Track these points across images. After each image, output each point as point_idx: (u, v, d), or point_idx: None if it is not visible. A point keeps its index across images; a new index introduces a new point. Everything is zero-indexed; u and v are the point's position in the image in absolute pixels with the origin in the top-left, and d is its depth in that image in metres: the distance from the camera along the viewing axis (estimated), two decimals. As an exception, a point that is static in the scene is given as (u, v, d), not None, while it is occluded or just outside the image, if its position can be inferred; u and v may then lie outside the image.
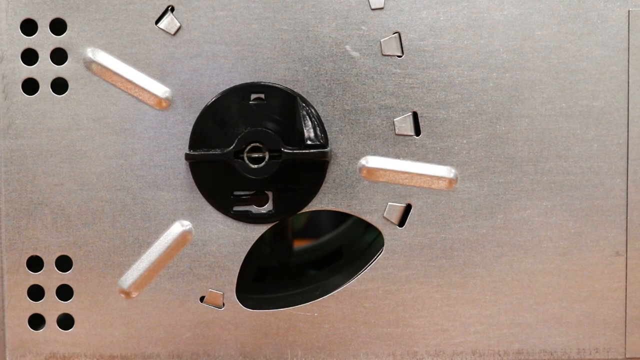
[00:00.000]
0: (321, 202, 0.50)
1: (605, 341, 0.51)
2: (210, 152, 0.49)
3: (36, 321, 0.51)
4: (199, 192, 0.50)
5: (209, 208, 0.50)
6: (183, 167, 0.50)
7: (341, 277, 0.53)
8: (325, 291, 0.52)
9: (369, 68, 0.49)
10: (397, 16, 0.49)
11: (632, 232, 0.50)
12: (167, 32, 0.49)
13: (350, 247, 0.63)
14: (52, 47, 0.49)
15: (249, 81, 0.49)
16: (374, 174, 0.50)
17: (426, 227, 0.50)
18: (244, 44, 0.49)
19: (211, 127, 0.49)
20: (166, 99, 0.49)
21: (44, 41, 0.49)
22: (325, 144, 0.49)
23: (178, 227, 0.50)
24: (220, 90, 0.49)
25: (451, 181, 0.50)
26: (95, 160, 0.50)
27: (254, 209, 0.50)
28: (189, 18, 0.49)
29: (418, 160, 0.50)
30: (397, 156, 0.50)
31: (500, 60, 0.49)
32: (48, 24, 0.49)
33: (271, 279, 0.61)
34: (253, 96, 0.49)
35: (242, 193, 0.50)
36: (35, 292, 0.51)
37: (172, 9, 0.49)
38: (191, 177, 0.50)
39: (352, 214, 0.50)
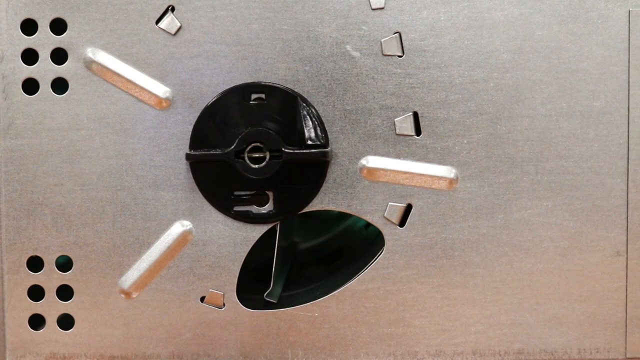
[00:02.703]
0: (322, 202, 0.50)
1: (606, 341, 0.51)
2: (211, 152, 0.49)
3: (36, 321, 0.51)
4: (199, 192, 0.50)
5: (209, 208, 0.50)
6: (183, 167, 0.50)
7: (341, 277, 0.53)
8: (326, 291, 0.52)
9: (369, 68, 0.49)
10: (397, 16, 0.49)
11: (633, 232, 0.50)
12: (167, 32, 0.49)
13: (350, 247, 0.63)
14: (52, 47, 0.49)
15: (249, 81, 0.49)
16: (374, 174, 0.50)
17: (427, 227, 0.50)
18: (245, 44, 0.49)
19: (212, 127, 0.49)
20: (166, 98, 0.49)
21: (44, 41, 0.49)
22: (325, 144, 0.49)
23: (178, 227, 0.50)
24: (221, 90, 0.49)
25: (452, 181, 0.50)
26: (95, 160, 0.50)
27: (255, 209, 0.50)
28: (190, 18, 0.49)
29: (418, 160, 0.50)
30: (397, 156, 0.50)
31: (501, 60, 0.49)
32: (48, 24, 0.49)
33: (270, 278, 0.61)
34: (253, 96, 0.49)
35: (242, 193, 0.50)
36: (36, 292, 0.51)
37: (173, 9, 0.49)
38: (191, 177, 0.50)
39: (353, 214, 0.50)
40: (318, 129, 0.49)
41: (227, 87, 0.49)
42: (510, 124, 0.49)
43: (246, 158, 0.49)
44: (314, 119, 0.49)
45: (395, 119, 0.50)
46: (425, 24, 0.49)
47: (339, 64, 0.49)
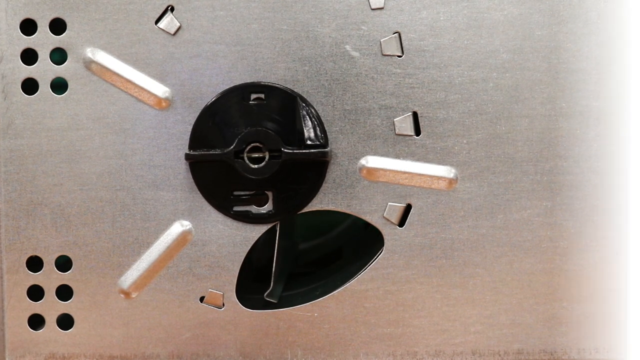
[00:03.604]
0: (321, 202, 0.50)
1: (606, 341, 0.51)
2: (211, 152, 0.49)
3: (36, 321, 0.51)
4: (199, 192, 0.50)
5: (209, 208, 0.50)
6: (183, 167, 0.50)
7: (341, 277, 0.53)
8: (326, 291, 0.52)
9: (369, 68, 0.49)
10: (397, 16, 0.49)
11: (633, 232, 0.50)
12: (167, 32, 0.49)
13: (350, 247, 0.63)
14: (52, 47, 0.49)
15: (248, 81, 0.49)
16: (374, 174, 0.50)
17: (426, 227, 0.50)
18: (244, 44, 0.49)
19: (211, 127, 0.49)
20: (166, 99, 0.49)
21: (43, 41, 0.49)
22: (325, 144, 0.49)
23: (178, 227, 0.50)
24: (220, 90, 0.49)
25: (451, 181, 0.50)
26: (95, 160, 0.50)
27: (254, 209, 0.50)
28: (189, 18, 0.49)
29: (418, 160, 0.50)
30: (397, 156, 0.50)
31: (500, 60, 0.49)
32: (48, 24, 0.49)
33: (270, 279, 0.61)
34: (253, 96, 0.49)
35: (242, 193, 0.50)
36: (35, 292, 0.51)
37: (172, 9, 0.49)
38: (191, 177, 0.50)
39: (352, 214, 0.50)
40: (317, 129, 0.49)
41: (227, 87, 0.49)
42: (509, 124, 0.49)
43: (245, 158, 0.49)
44: (313, 119, 0.49)
45: (395, 119, 0.50)
46: (425, 24, 0.49)
47: (339, 64, 0.49)
